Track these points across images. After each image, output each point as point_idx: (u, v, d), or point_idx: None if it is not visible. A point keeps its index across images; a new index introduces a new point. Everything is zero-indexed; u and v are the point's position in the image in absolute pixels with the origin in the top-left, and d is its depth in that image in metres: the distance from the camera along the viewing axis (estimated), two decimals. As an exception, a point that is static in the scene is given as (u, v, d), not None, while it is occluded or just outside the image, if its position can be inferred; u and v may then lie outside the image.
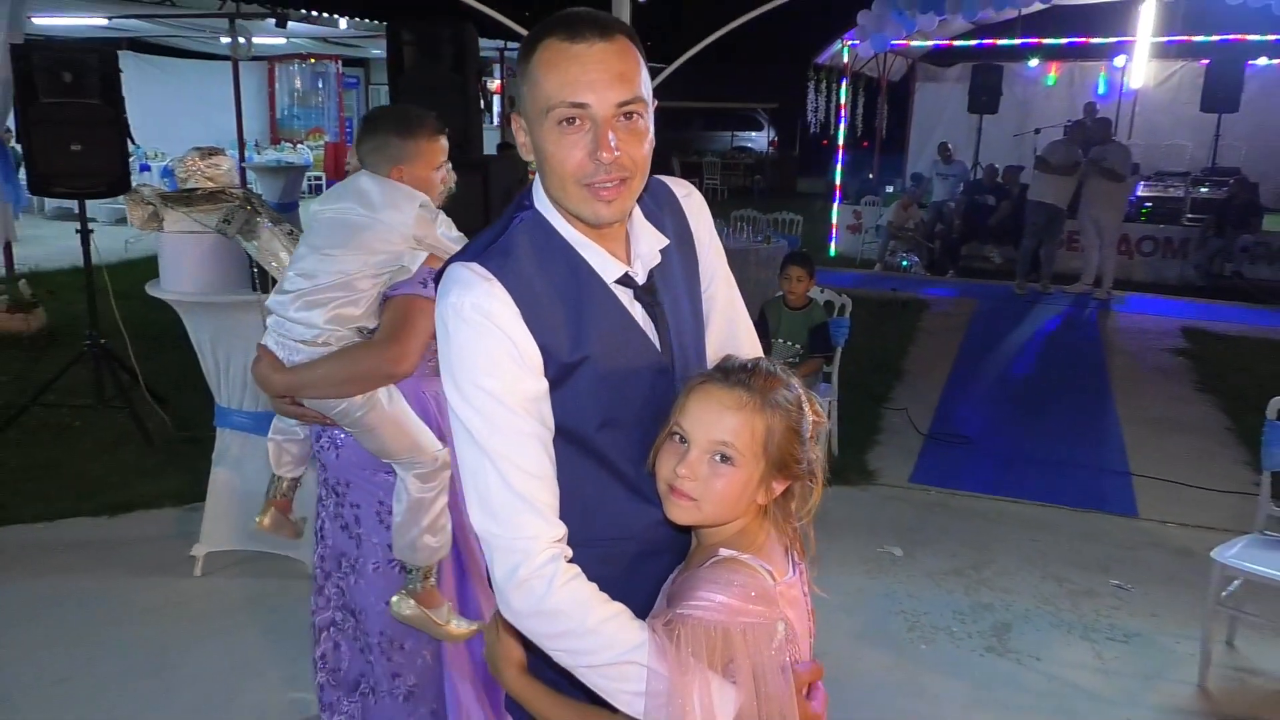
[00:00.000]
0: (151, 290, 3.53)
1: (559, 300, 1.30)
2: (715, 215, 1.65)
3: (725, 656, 1.21)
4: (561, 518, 1.29)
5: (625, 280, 1.34)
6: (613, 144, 1.23)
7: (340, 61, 16.40)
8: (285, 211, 10.92)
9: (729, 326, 1.52)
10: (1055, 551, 4.09)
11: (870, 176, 13.85)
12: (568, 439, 1.32)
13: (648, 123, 1.28)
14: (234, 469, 3.61)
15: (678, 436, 1.28)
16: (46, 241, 10.63)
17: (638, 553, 1.37)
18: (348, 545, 2.26)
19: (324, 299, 2.05)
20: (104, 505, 4.26)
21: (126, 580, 3.66)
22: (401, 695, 2.27)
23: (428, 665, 2.30)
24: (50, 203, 12.03)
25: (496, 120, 15.21)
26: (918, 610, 3.57)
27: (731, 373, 1.29)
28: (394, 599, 2.20)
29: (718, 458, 1.25)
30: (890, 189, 12.99)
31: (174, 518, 4.17)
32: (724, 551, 1.28)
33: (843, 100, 11.97)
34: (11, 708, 2.91)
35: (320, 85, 16.38)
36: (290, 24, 10.84)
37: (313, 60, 16.14)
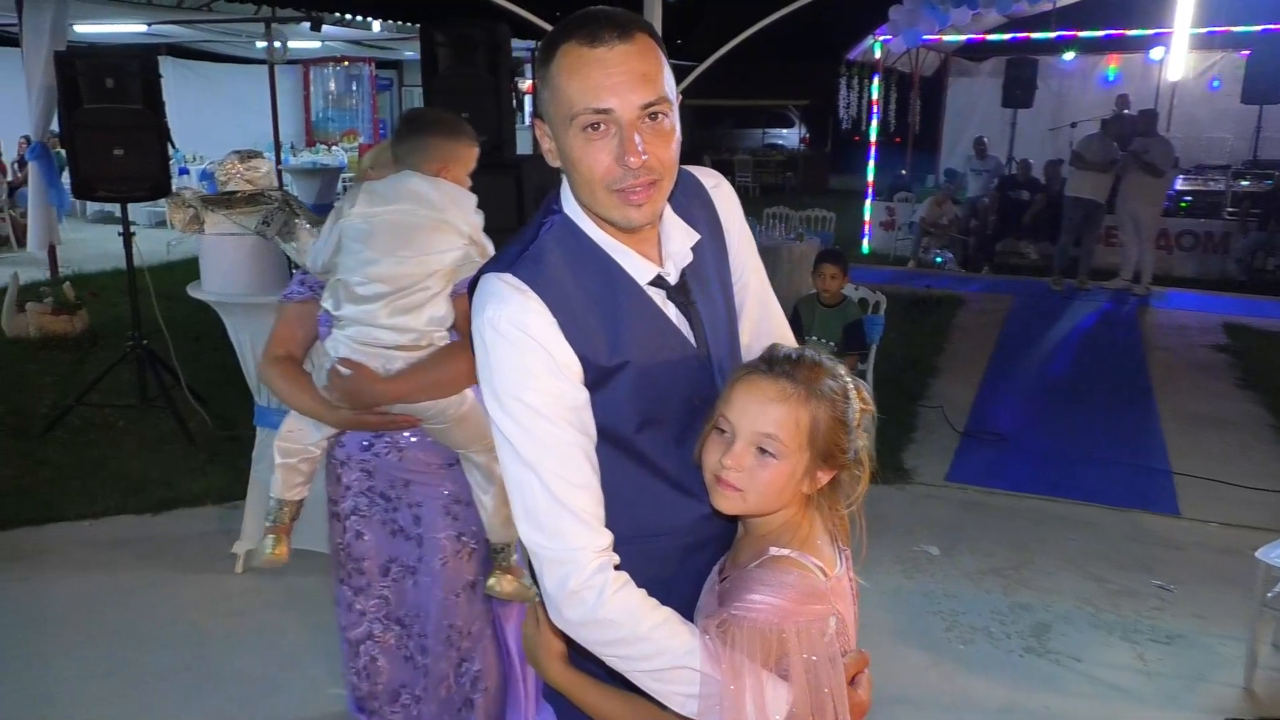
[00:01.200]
0: (193, 291, 3.59)
1: (594, 306, 1.30)
2: (747, 213, 1.64)
3: (779, 655, 1.22)
4: (606, 518, 1.30)
5: (658, 281, 1.35)
6: (639, 147, 1.22)
7: (374, 64, 16.53)
8: (322, 213, 10.97)
9: (762, 314, 1.52)
10: (1095, 551, 4.04)
11: (903, 172, 13.74)
12: (608, 440, 1.33)
13: (673, 121, 1.27)
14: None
15: (723, 429, 1.28)
16: (88, 244, 10.82)
17: (683, 547, 1.38)
18: (401, 549, 2.22)
19: (415, 301, 2.04)
20: (148, 503, 4.33)
21: (170, 576, 3.72)
22: (470, 681, 2.30)
23: (489, 646, 2.33)
24: (91, 206, 12.25)
25: (528, 120, 15.27)
26: (955, 610, 3.55)
27: (776, 363, 1.29)
28: (491, 580, 2.24)
29: (762, 449, 1.26)
30: (923, 185, 12.89)
31: (216, 515, 4.23)
32: (774, 550, 1.28)
33: (875, 96, 11.88)
34: (59, 701, 2.97)
35: (354, 88, 16.52)
36: (324, 27, 10.95)
37: (346, 63, 16.28)
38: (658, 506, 1.37)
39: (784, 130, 21.94)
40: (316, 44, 13.37)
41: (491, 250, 2.16)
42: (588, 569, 1.24)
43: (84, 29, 10.61)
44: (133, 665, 3.15)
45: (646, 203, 1.26)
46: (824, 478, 1.31)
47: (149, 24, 11.25)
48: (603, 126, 1.22)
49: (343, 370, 2.02)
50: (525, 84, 15.43)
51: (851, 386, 1.31)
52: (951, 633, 3.40)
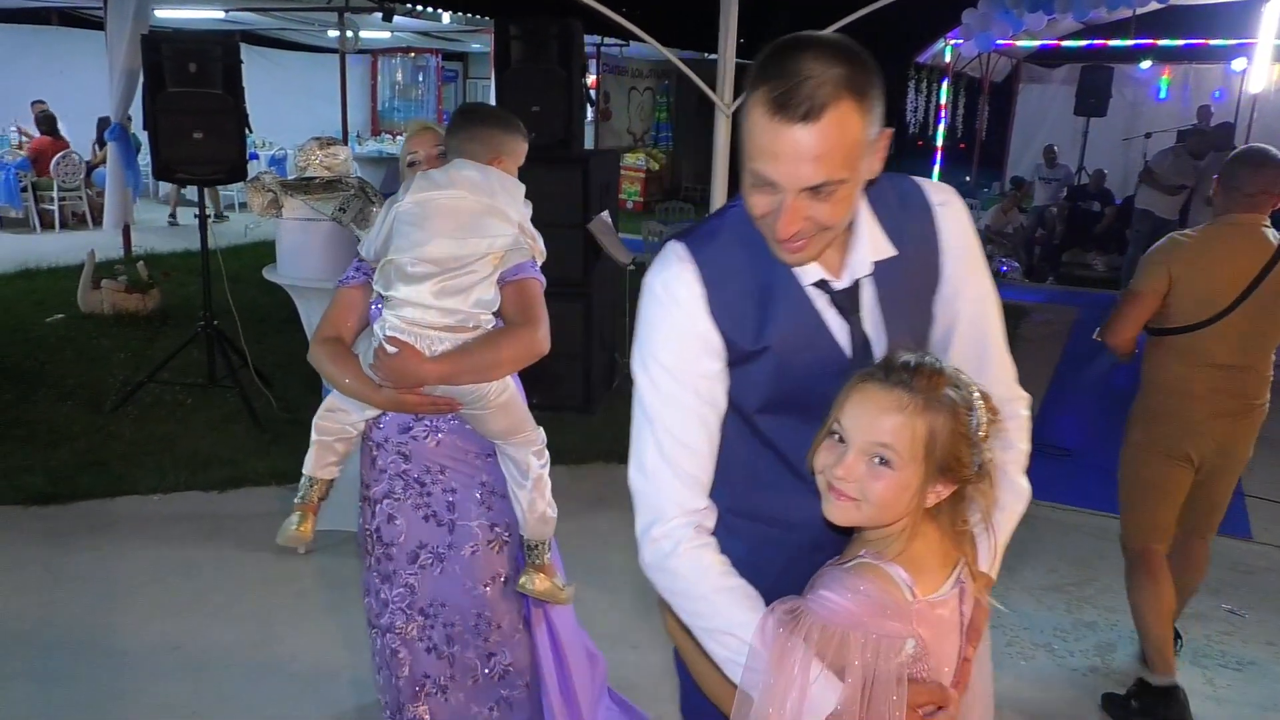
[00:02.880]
0: (269, 275, 3.65)
1: (750, 290, 1.34)
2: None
3: (839, 659, 1.20)
4: (728, 485, 1.40)
5: (823, 284, 1.34)
6: (793, 219, 1.22)
7: (440, 55, 16.70)
8: (385, 201, 11.09)
9: (974, 346, 1.44)
10: (1162, 572, 3.94)
11: (967, 179, 13.54)
12: (739, 415, 1.39)
13: (850, 189, 1.24)
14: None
15: (836, 435, 1.26)
16: (160, 225, 11.10)
17: (800, 544, 1.38)
18: (432, 535, 2.23)
19: (465, 283, 2.07)
20: (214, 480, 4.43)
21: (235, 554, 3.80)
22: (498, 676, 2.31)
23: (522, 641, 2.34)
24: (164, 187, 12.53)
25: (592, 115, 15.31)
26: (1017, 626, 3.48)
27: (893, 371, 1.25)
28: (524, 579, 2.27)
29: (876, 460, 1.23)
30: (988, 192, 12.68)
31: (279, 495, 4.31)
32: (866, 555, 1.26)
33: (943, 100, 11.72)
34: (129, 673, 3.04)
35: (420, 78, 16.70)
36: (395, 18, 11.08)
37: (413, 54, 16.47)
38: (780, 493, 1.39)
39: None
40: (386, 34, 13.52)
41: (541, 243, 2.22)
42: (671, 522, 1.34)
43: (164, 14, 10.86)
44: (200, 640, 3.21)
45: (800, 253, 1.28)
46: (944, 491, 1.26)
47: (226, 10, 11.48)
48: (767, 187, 1.23)
49: (389, 348, 2.05)
50: (590, 79, 15.48)
51: (977, 397, 1.26)
52: (1012, 648, 3.34)
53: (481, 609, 2.26)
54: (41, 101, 11.27)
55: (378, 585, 2.29)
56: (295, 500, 2.35)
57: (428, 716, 2.29)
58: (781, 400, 1.36)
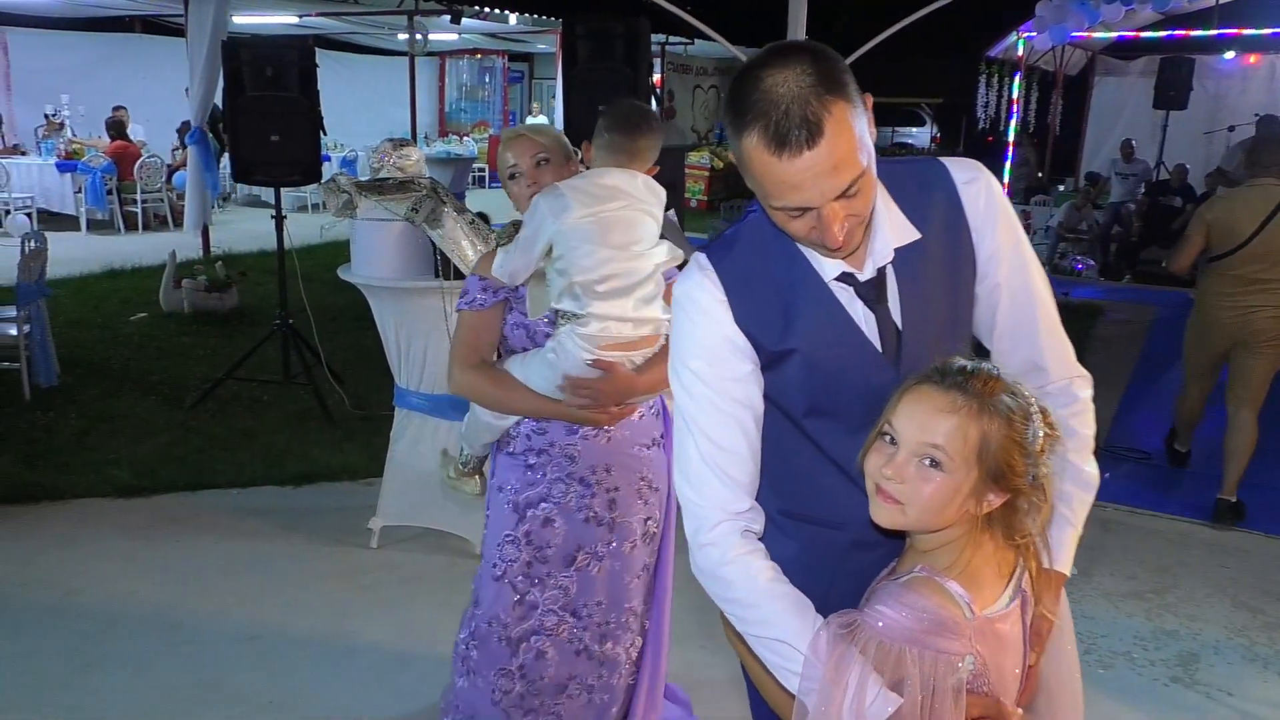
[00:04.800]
0: (344, 274, 3.72)
1: (772, 292, 1.34)
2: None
3: (896, 675, 1.19)
4: (776, 487, 1.41)
5: (846, 278, 1.33)
6: (839, 231, 1.23)
7: (506, 56, 16.88)
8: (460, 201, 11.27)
9: (1021, 321, 1.42)
10: (1247, 579, 3.81)
11: (1040, 175, 13.24)
12: (783, 415, 1.39)
13: (870, 172, 1.24)
14: (410, 448, 3.76)
15: (888, 436, 1.25)
16: (237, 226, 11.40)
17: (850, 542, 1.39)
18: (592, 535, 2.22)
19: (652, 292, 2.12)
20: (289, 475, 4.53)
21: (309, 547, 3.88)
22: (634, 665, 2.35)
23: (641, 630, 2.37)
24: (241, 189, 12.88)
25: (656, 113, 15.37)
26: (1094, 633, 3.39)
27: (949, 374, 1.24)
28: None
29: (927, 461, 1.21)
30: (1061, 188, 12.38)
31: (351, 491, 4.40)
32: (922, 570, 1.24)
33: (1015, 95, 11.47)
34: (209, 662, 3.13)
35: (487, 80, 16.91)
36: (463, 20, 11.23)
37: (480, 55, 16.67)
38: (828, 493, 1.39)
39: (914, 129, 21.39)
40: (454, 36, 13.72)
41: (677, 250, 2.24)
42: (719, 527, 1.35)
43: (241, 20, 11.16)
44: (275, 631, 3.29)
45: (844, 248, 1.28)
46: (995, 501, 1.24)
47: (300, 15, 11.75)
48: (799, 213, 1.23)
49: (594, 371, 2.08)
50: (654, 78, 15.51)
51: (1035, 408, 1.24)
52: (1090, 655, 3.26)
53: (632, 601, 2.29)
54: (121, 107, 11.66)
55: (522, 591, 2.23)
56: (464, 469, 2.53)
57: (564, 715, 2.29)
58: (822, 401, 1.36)
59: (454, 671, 2.35)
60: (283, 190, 5.53)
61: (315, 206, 12.39)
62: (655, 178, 2.24)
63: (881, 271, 1.35)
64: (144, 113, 12.47)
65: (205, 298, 7.31)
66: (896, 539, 1.35)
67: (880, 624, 1.21)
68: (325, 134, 5.62)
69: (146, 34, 13.65)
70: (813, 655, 1.24)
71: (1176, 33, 11.44)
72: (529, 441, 2.24)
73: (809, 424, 1.39)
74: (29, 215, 10.69)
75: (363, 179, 3.69)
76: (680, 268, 2.24)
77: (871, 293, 1.35)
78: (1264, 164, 4.32)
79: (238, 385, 5.58)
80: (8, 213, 10.65)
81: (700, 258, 1.39)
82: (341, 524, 4.04)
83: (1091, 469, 1.42)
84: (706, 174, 15.07)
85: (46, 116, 11.94)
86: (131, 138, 11.61)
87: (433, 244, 3.51)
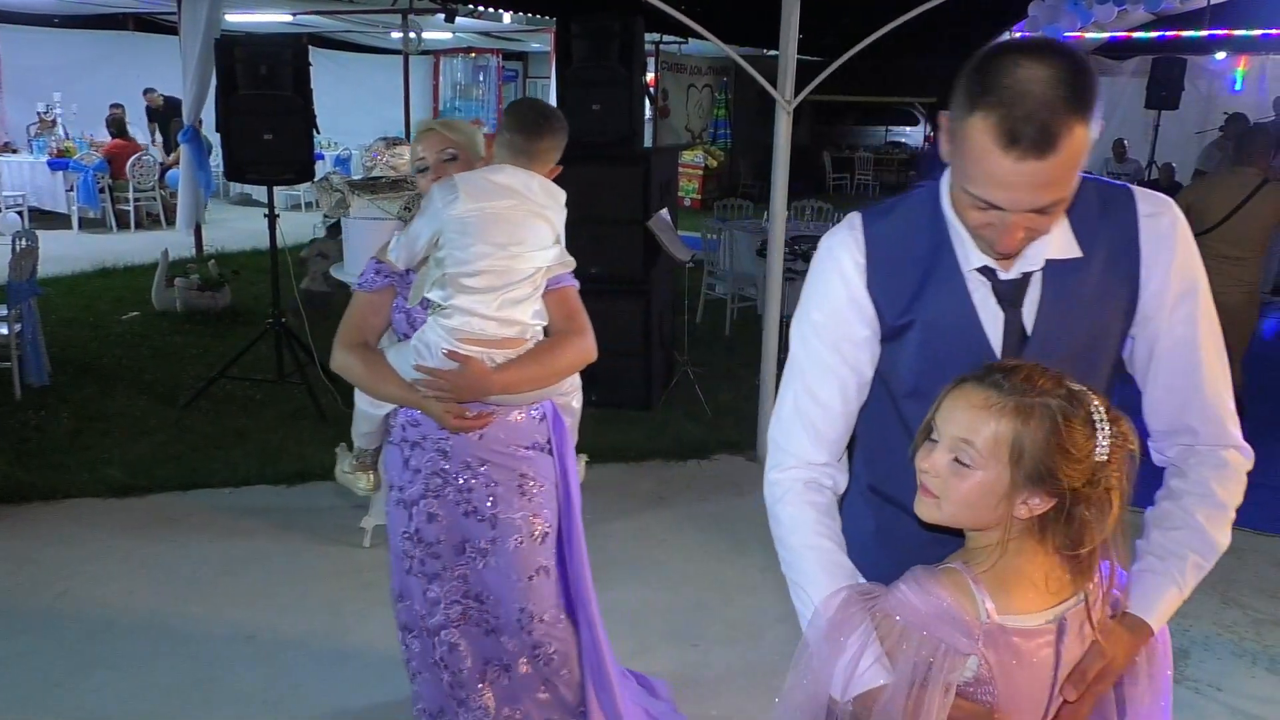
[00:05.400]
0: (336, 273, 3.73)
1: (910, 267, 1.36)
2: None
3: (894, 651, 1.23)
4: (869, 462, 1.50)
5: (986, 271, 1.33)
6: (1015, 241, 1.24)
7: (500, 55, 16.84)
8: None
9: (1178, 375, 1.36)
10: (1239, 576, 3.83)
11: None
12: (887, 392, 1.44)
13: (1069, 201, 1.22)
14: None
15: (932, 431, 1.26)
16: (230, 224, 11.38)
17: (924, 538, 1.37)
18: (475, 530, 2.24)
19: (521, 294, 2.10)
20: (283, 474, 4.53)
21: (304, 546, 3.88)
22: (543, 662, 2.33)
23: (566, 629, 2.35)
24: (234, 188, 12.85)
25: (650, 112, 15.33)
26: (1190, 659, 3.40)
27: (991, 371, 1.23)
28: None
29: (959, 457, 1.21)
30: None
31: (345, 490, 4.35)
32: (953, 562, 1.26)
33: (1008, 94, 11.49)
34: (209, 661, 3.13)
35: (481, 78, 16.87)
36: (457, 19, 11.20)
37: (474, 54, 16.64)
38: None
39: (907, 128, 21.42)
40: (448, 35, 13.68)
41: (568, 256, 2.22)
42: (789, 470, 1.43)
43: (234, 19, 11.13)
44: (273, 630, 3.30)
45: (1010, 256, 1.29)
46: (1038, 505, 1.20)
47: (294, 14, 11.72)
48: (989, 207, 1.22)
49: (449, 363, 2.06)
50: (648, 77, 15.51)
51: (1098, 413, 1.19)
52: (1183, 685, 3.27)
53: (524, 603, 2.27)
54: (119, 105, 11.64)
55: (423, 587, 2.29)
56: (355, 462, 2.60)
57: (492, 702, 2.32)
58: (926, 385, 1.35)
59: (407, 667, 2.43)
60: (276, 189, 5.52)
61: (308, 205, 12.37)
62: (558, 179, 2.22)
63: (1027, 276, 1.33)
64: (138, 111, 12.43)
65: (198, 296, 7.30)
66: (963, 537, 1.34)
67: (895, 600, 1.24)
68: (319, 132, 5.61)
69: (140, 32, 13.60)
70: (821, 609, 1.29)
71: (1168, 33, 11.49)
72: (404, 432, 2.26)
73: (908, 406, 1.40)
74: (20, 213, 10.66)
75: (355, 178, 3.69)
76: (576, 274, 2.25)
77: (1010, 293, 1.33)
78: (1249, 155, 4.80)
79: (231, 384, 5.57)
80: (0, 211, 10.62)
81: (855, 217, 1.42)
82: (336, 523, 4.04)
83: (1220, 538, 1.37)
84: (700, 173, 15.10)
85: (39, 114, 11.91)
86: (134, 137, 11.61)
87: (427, 243, 3.51)
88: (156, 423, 5.13)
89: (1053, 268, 1.31)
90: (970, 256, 1.32)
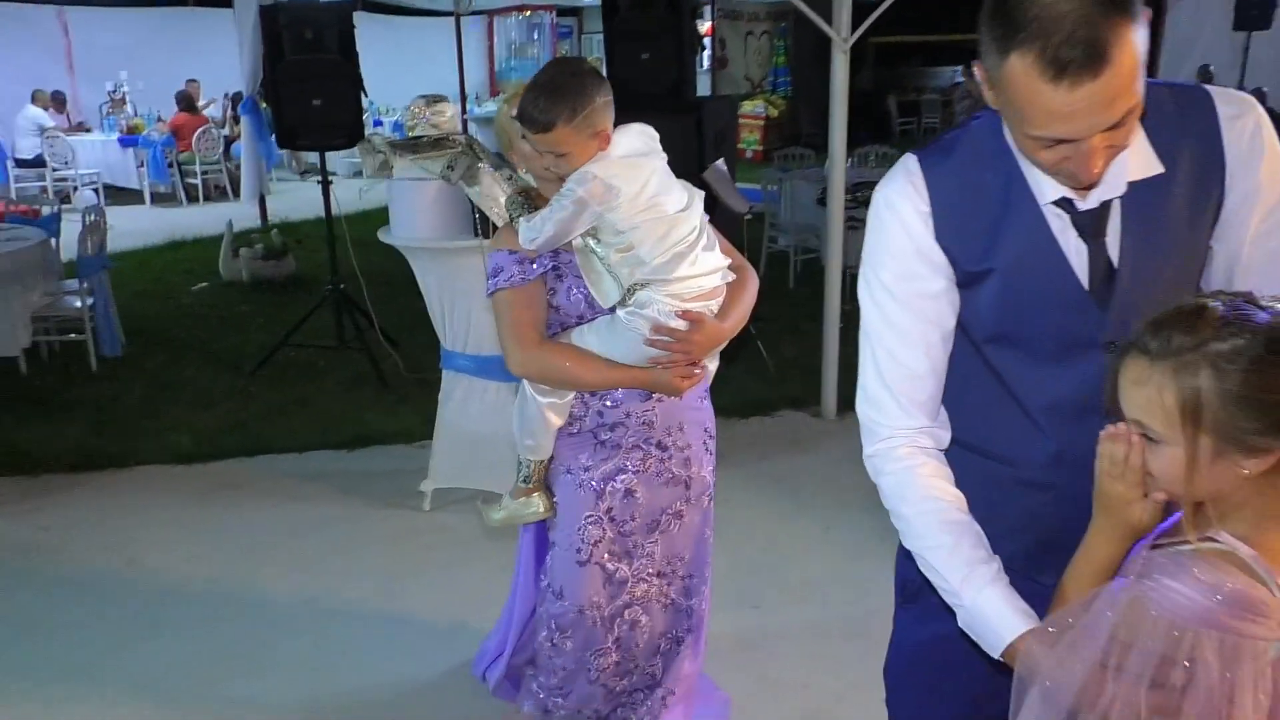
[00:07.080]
0: (383, 237, 3.69)
1: (981, 208, 1.26)
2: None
3: (1179, 658, 1.02)
4: (954, 416, 1.38)
5: (1064, 203, 1.22)
6: (1099, 166, 1.12)
7: (554, 11, 16.68)
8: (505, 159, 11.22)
9: (1265, 278, 1.23)
10: None
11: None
12: (968, 339, 1.35)
13: (1141, 103, 1.10)
14: (459, 410, 3.74)
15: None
16: (294, 194, 11.49)
17: (1022, 481, 1.32)
18: (672, 496, 2.21)
19: (708, 239, 2.08)
20: (344, 440, 4.56)
21: (364, 510, 3.90)
22: (697, 620, 2.39)
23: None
24: (301, 159, 12.98)
25: (707, 64, 15.01)
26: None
27: (1141, 333, 1.07)
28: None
29: (1146, 434, 1.08)
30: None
31: (405, 454, 4.41)
32: (1222, 538, 1.07)
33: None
34: (273, 622, 3.17)
35: (535, 36, 16.75)
36: (509, -24, 11.08)
37: (528, 12, 16.50)
38: (1003, 428, 1.33)
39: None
40: (501, -6, 13.60)
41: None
42: (883, 443, 1.35)
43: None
44: (332, 593, 3.32)
45: (1096, 184, 1.18)
46: (1261, 462, 1.03)
47: (345, -21, 11.72)
48: (1060, 144, 1.11)
49: (681, 325, 2.00)
50: (704, 26, 15.18)
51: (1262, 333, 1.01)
52: None
53: (708, 556, 2.33)
54: (194, 80, 11.81)
55: (612, 566, 2.19)
56: (521, 485, 2.24)
57: (660, 671, 2.35)
58: (1010, 329, 1.28)
59: (537, 665, 2.33)
60: (337, 157, 5.52)
61: (358, 173, 12.46)
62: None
63: (1106, 204, 1.22)
64: (202, 86, 12.61)
65: (262, 266, 7.39)
66: (1078, 489, 1.20)
67: (1169, 600, 1.03)
68: (366, 95, 5.58)
69: (198, 7, 13.76)
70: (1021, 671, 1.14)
71: (1258, -52, 10.82)
72: (601, 418, 2.15)
73: (991, 351, 1.32)
74: (96, 190, 10.93)
75: (397, 138, 3.63)
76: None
77: (1090, 224, 1.23)
78: None
79: (295, 351, 5.63)
80: (75, 189, 10.89)
81: (910, 161, 1.30)
82: (396, 487, 4.05)
83: None
84: (762, 123, 14.75)
85: (109, 94, 12.15)
86: (203, 112, 11.81)
87: (471, 202, 3.44)
88: (223, 391, 5.21)
89: (1134, 190, 1.21)
90: (1045, 189, 1.22)
